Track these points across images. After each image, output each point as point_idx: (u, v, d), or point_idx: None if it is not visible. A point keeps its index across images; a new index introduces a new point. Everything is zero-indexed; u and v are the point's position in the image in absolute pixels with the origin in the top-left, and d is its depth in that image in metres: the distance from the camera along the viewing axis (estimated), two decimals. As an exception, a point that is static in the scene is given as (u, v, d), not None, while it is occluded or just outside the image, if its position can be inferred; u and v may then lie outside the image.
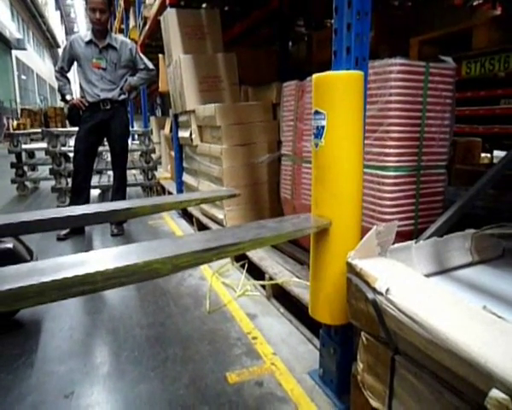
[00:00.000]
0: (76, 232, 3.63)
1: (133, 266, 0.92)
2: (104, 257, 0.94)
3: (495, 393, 0.73)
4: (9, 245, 1.96)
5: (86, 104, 3.47)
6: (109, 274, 0.88)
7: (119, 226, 3.75)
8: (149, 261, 0.94)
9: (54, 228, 1.57)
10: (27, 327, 2.09)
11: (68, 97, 3.55)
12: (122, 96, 3.57)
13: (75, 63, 3.56)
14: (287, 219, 1.34)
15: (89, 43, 3.44)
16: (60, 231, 3.49)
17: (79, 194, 3.55)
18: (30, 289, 0.80)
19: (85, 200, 3.56)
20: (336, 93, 1.29)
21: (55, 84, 3.76)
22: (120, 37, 3.70)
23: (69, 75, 3.66)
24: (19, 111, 21.01)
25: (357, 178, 1.36)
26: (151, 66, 3.67)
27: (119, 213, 1.61)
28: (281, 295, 2.23)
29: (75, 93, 3.70)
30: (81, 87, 3.55)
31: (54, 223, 1.46)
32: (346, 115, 1.30)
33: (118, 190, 3.77)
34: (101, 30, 3.41)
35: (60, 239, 3.49)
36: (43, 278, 0.82)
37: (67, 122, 4.00)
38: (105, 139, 3.81)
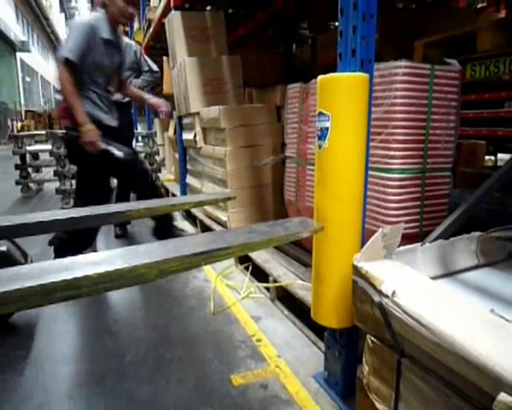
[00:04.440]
0: None
1: (119, 271, 0.89)
2: (90, 261, 0.92)
3: (503, 397, 0.72)
4: (3, 248, 1.96)
5: None
6: (94, 279, 0.86)
7: (123, 228, 3.75)
8: (135, 266, 0.91)
9: (48, 231, 1.56)
10: (32, 329, 2.09)
11: None
12: (126, 99, 3.57)
13: None
14: (279, 222, 1.31)
15: None
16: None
17: None
18: (13, 294, 0.78)
19: None
20: (341, 95, 1.29)
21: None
22: (125, 39, 3.71)
23: None
24: (23, 113, 21.09)
25: (359, 181, 1.35)
26: (155, 68, 3.67)
27: (122, 215, 1.60)
28: (285, 297, 2.23)
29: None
30: None
31: (47, 226, 1.45)
32: (350, 117, 1.29)
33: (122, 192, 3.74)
34: None
35: None
36: (26, 283, 0.80)
37: None
38: None
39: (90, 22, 2.41)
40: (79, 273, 0.86)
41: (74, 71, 2.32)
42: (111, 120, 2.60)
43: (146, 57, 3.69)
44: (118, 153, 2.42)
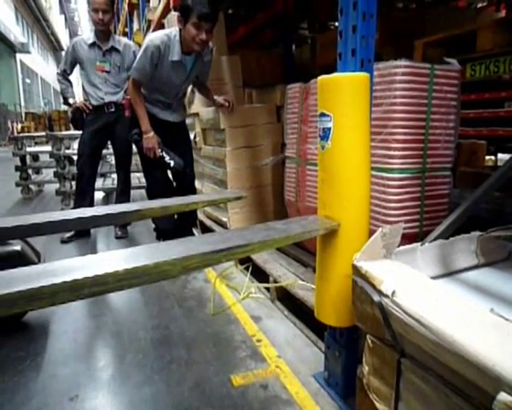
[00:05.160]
0: (80, 235, 3.64)
1: (143, 268, 0.92)
2: (114, 259, 0.95)
3: (503, 396, 0.72)
4: (17, 247, 1.96)
5: (90, 107, 3.47)
6: (120, 276, 0.89)
7: (124, 229, 3.76)
8: (159, 263, 0.94)
9: (59, 231, 1.57)
10: (32, 330, 2.10)
11: (71, 100, 3.54)
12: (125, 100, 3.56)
13: (77, 66, 3.53)
14: (294, 220, 1.33)
15: (92, 45, 3.42)
16: (63, 233, 3.49)
17: (83, 197, 3.55)
18: (42, 291, 0.80)
19: (89, 203, 3.57)
20: (342, 95, 1.29)
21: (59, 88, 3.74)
22: (124, 39, 3.70)
23: (72, 77, 3.65)
24: (23, 114, 21.05)
25: (364, 180, 1.35)
26: None
27: (124, 216, 1.60)
28: (285, 297, 2.23)
29: (78, 96, 3.65)
30: (84, 90, 3.54)
31: (59, 225, 1.46)
32: (352, 117, 1.29)
33: (122, 192, 3.75)
34: (104, 31, 3.38)
35: (64, 242, 3.50)
36: (55, 280, 0.82)
37: (71, 125, 3.94)
38: (109, 142, 3.81)
39: (160, 45, 2.60)
40: (106, 270, 0.88)
41: (140, 85, 2.78)
42: (165, 115, 2.96)
43: None
44: (170, 161, 2.85)
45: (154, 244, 1.06)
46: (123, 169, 3.76)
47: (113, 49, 3.46)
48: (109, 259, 0.94)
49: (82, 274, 0.85)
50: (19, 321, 2.11)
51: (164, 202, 1.69)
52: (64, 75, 3.54)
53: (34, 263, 1.98)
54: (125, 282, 0.90)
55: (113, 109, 3.50)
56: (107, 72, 3.46)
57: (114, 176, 5.17)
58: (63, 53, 3.70)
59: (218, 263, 1.09)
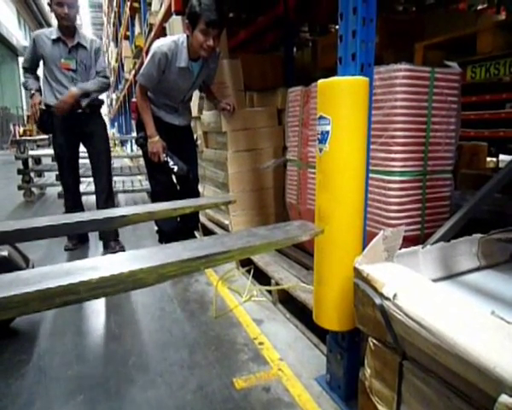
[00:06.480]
0: (83, 242, 3.62)
1: (117, 276, 0.89)
2: (88, 267, 0.92)
3: (504, 398, 0.72)
4: (4, 253, 1.96)
5: (41, 111, 3.14)
6: (93, 284, 0.86)
7: (115, 241, 3.47)
8: (134, 271, 0.91)
9: (59, 234, 1.57)
10: (33, 333, 2.10)
11: (32, 88, 3.24)
12: (97, 101, 3.34)
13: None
14: (279, 226, 1.32)
15: (56, 41, 3.11)
16: (68, 242, 3.48)
17: (74, 205, 3.40)
18: (13, 300, 0.78)
19: (81, 207, 3.45)
20: (341, 98, 1.30)
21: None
22: (89, 35, 3.37)
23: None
24: (25, 118, 21.15)
25: (360, 184, 1.36)
26: (108, 74, 3.40)
27: (123, 219, 1.60)
28: (287, 300, 2.23)
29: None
30: (43, 90, 3.24)
31: (58, 229, 1.45)
32: (350, 121, 1.30)
33: (107, 200, 3.38)
34: (69, 26, 3.11)
35: (68, 249, 3.45)
36: (26, 289, 0.80)
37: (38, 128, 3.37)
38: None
39: (167, 52, 2.62)
40: (78, 279, 0.85)
41: (147, 90, 2.81)
42: (171, 119, 2.98)
43: (104, 58, 3.45)
44: (174, 166, 2.87)
45: (133, 251, 1.04)
46: (103, 173, 3.37)
47: (80, 45, 3.18)
48: (83, 267, 0.92)
49: (54, 283, 0.83)
50: (7, 327, 2.08)
51: (149, 207, 1.69)
52: (27, 70, 3.29)
53: (22, 269, 1.98)
54: (99, 291, 0.88)
55: (81, 110, 3.19)
56: (74, 70, 3.17)
57: (116, 179, 5.19)
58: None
59: (198, 271, 1.08)
